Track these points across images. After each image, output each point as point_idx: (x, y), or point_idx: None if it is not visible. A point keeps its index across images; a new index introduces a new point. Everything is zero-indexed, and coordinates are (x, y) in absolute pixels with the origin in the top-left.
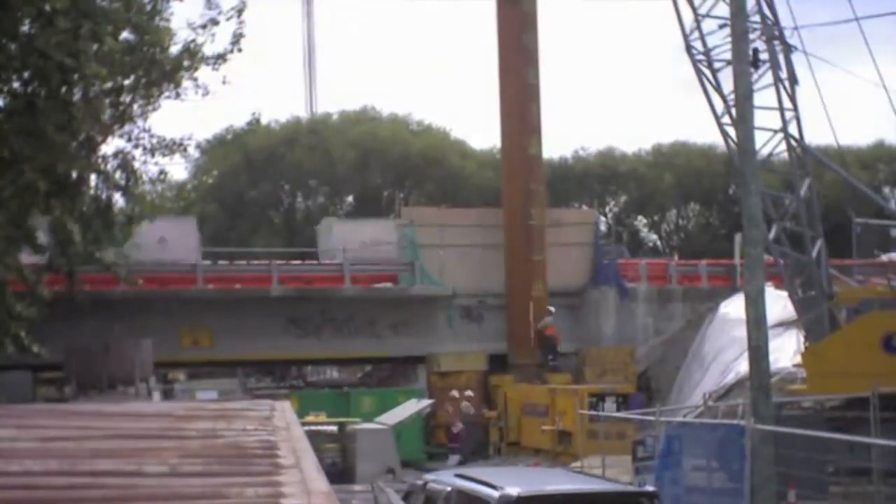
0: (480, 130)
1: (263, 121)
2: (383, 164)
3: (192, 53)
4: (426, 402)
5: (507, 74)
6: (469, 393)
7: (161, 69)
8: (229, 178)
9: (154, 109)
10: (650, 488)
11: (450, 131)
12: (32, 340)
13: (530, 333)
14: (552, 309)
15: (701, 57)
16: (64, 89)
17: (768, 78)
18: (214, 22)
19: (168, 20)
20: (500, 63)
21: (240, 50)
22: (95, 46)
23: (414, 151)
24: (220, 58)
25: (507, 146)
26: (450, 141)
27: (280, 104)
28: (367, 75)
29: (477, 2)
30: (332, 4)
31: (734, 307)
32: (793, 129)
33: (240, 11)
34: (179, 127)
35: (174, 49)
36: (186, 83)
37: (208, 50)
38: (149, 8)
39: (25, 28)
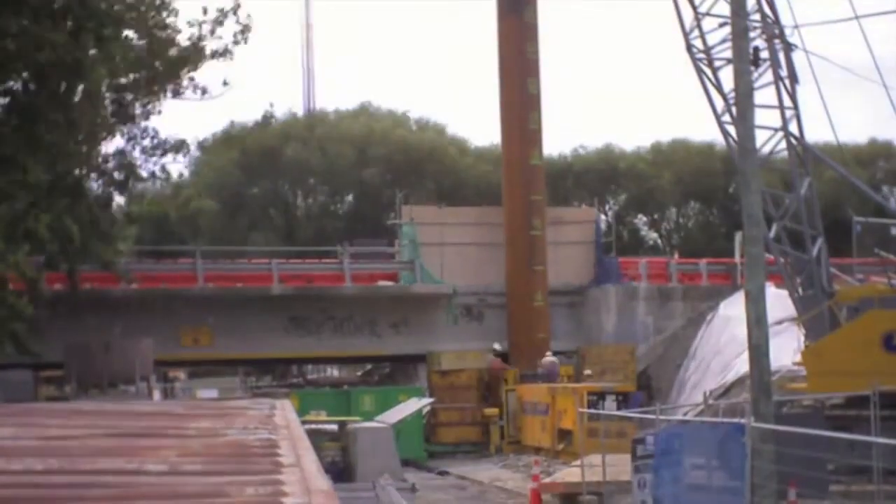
0: (480, 125)
1: (260, 118)
2: (381, 161)
3: (196, 49)
4: (427, 400)
5: (508, 85)
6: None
7: (168, 64)
8: (228, 175)
9: (156, 110)
10: None
11: (447, 127)
12: (32, 341)
13: (530, 342)
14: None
15: (701, 55)
16: (64, 87)
17: (769, 76)
18: (220, 22)
19: (174, 13)
20: (500, 74)
21: (245, 41)
22: (96, 50)
23: (412, 148)
24: (226, 52)
25: (508, 157)
26: (448, 137)
27: (278, 100)
28: (364, 71)
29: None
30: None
31: (734, 306)
32: (793, 128)
33: (235, 10)
34: (180, 125)
35: (181, 43)
36: (185, 82)
37: (213, 45)
38: (157, 2)
39: (25, 26)
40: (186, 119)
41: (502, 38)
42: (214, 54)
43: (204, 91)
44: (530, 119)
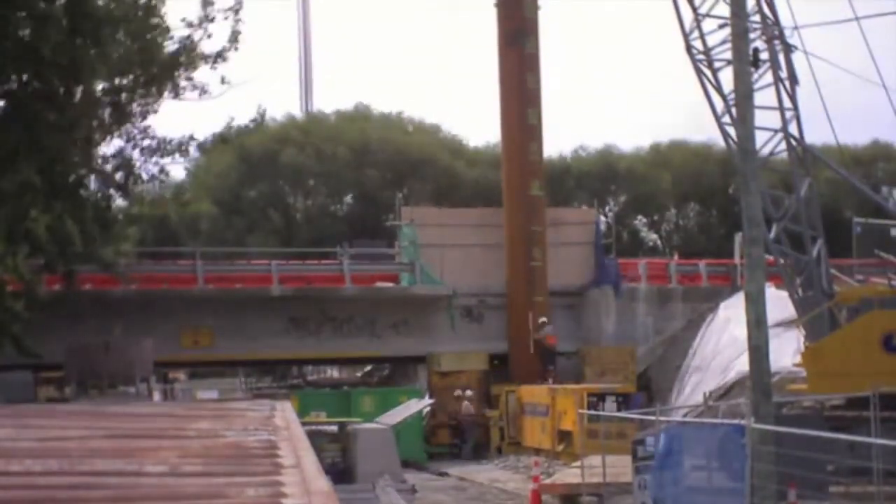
0: (478, 124)
1: (255, 115)
2: (380, 162)
3: (188, 50)
4: (427, 401)
5: (508, 115)
6: (469, 392)
7: (160, 66)
8: (226, 177)
9: (154, 111)
10: None
11: (446, 128)
12: (31, 342)
13: (530, 345)
14: (545, 319)
15: (701, 57)
16: (62, 90)
17: (768, 77)
18: (210, 19)
19: (162, 17)
20: (501, 104)
21: (236, 49)
22: (94, 50)
23: (410, 150)
24: (219, 56)
25: (508, 186)
26: (446, 139)
27: (276, 102)
28: (362, 73)
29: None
30: (328, 2)
31: (734, 307)
32: (793, 129)
33: (236, 11)
34: (179, 126)
35: (171, 46)
36: (184, 83)
37: (206, 48)
38: (142, 2)
39: (23, 28)
40: (184, 121)
41: (503, 70)
42: (207, 58)
43: (203, 91)
44: (530, 149)
